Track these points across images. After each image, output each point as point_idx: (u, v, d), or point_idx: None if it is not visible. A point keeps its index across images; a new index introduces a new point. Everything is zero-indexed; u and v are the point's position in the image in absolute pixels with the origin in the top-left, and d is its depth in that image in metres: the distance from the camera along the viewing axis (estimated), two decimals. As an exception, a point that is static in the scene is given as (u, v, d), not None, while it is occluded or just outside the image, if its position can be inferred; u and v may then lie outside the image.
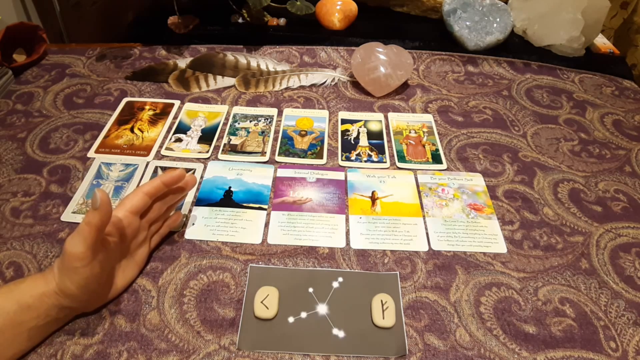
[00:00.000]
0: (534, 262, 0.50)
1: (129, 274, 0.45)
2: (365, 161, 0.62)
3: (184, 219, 0.52)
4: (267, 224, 0.53)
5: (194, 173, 0.59)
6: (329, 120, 0.69)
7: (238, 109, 0.70)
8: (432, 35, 0.86)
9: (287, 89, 0.75)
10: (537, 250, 0.51)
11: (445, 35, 0.86)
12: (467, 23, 0.82)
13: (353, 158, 0.62)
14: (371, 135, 0.66)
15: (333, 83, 0.76)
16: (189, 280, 0.47)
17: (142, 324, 0.43)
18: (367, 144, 0.65)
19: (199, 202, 0.55)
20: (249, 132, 0.66)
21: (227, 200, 0.56)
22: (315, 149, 0.64)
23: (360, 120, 0.69)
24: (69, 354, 0.41)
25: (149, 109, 0.69)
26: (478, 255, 0.50)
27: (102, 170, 0.59)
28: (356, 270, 0.48)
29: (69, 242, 0.37)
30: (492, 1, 0.84)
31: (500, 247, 0.51)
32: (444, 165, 0.62)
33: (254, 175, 0.59)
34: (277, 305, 0.44)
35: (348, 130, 0.67)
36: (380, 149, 0.64)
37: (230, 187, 0.57)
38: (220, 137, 0.65)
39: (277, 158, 0.62)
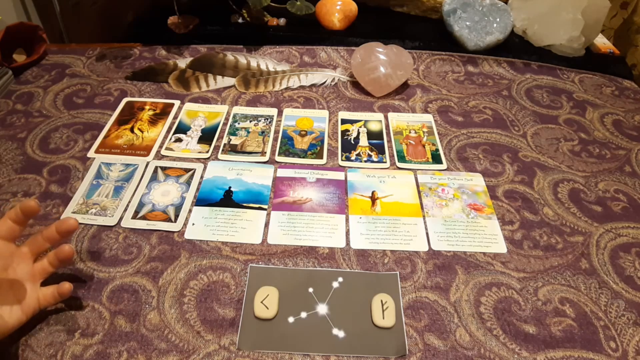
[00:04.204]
0: (534, 262, 0.50)
1: (6, 313, 0.39)
2: (365, 161, 0.62)
3: (75, 256, 0.47)
4: (267, 224, 0.53)
5: (193, 173, 0.59)
6: (329, 120, 0.69)
7: (238, 109, 0.70)
8: (432, 35, 0.86)
9: (287, 89, 0.75)
10: (537, 250, 0.51)
11: (445, 35, 0.86)
12: (467, 23, 0.82)
13: (353, 158, 0.62)
14: (371, 135, 0.66)
15: (333, 83, 0.76)
16: (189, 280, 0.47)
17: (142, 324, 0.43)
18: (367, 144, 0.65)
19: (199, 202, 0.55)
20: (249, 132, 0.66)
21: (227, 200, 0.56)
22: (315, 149, 0.64)
23: (360, 120, 0.69)
24: (69, 354, 0.41)
25: (149, 109, 0.69)
26: (478, 255, 0.50)
27: (102, 170, 0.59)
28: (356, 270, 0.48)
29: None
30: (492, 1, 0.84)
31: (500, 247, 0.51)
32: (444, 165, 0.62)
33: (254, 175, 0.59)
34: (277, 305, 0.44)
35: (348, 130, 0.67)
36: (380, 149, 0.64)
37: (230, 187, 0.57)
38: (220, 137, 0.65)
39: (277, 158, 0.62)
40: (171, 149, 0.62)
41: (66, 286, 0.42)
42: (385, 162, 0.62)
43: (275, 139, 0.65)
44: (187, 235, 0.51)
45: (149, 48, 0.83)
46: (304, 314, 0.44)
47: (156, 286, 0.46)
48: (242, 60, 0.78)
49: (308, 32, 0.86)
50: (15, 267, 0.41)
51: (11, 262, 0.41)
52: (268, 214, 0.54)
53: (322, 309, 0.45)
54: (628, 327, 0.45)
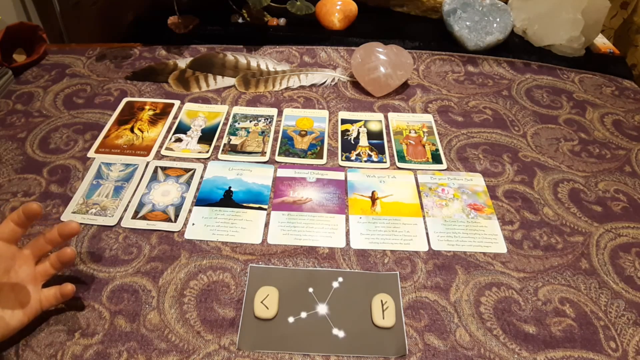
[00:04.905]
0: (534, 262, 0.50)
1: (8, 315, 0.39)
2: (365, 161, 0.62)
3: (76, 257, 0.46)
4: (267, 224, 0.53)
5: (193, 173, 0.59)
6: (329, 120, 0.69)
7: (238, 109, 0.70)
8: (432, 35, 0.86)
9: (287, 89, 0.75)
10: (537, 250, 0.51)
11: (445, 35, 0.86)
12: (467, 23, 0.82)
13: (353, 158, 0.62)
14: (371, 135, 0.66)
15: (333, 83, 0.76)
16: (189, 280, 0.47)
17: (142, 324, 0.43)
18: (367, 144, 0.65)
19: (199, 202, 0.55)
20: (249, 132, 0.66)
21: (227, 200, 0.56)
22: (315, 149, 0.64)
23: (360, 120, 0.69)
24: (69, 354, 0.41)
25: (149, 109, 0.69)
26: (478, 255, 0.50)
27: (102, 170, 0.59)
28: (356, 270, 0.48)
29: None
30: (492, 1, 0.84)
31: (500, 247, 0.51)
32: (444, 165, 0.62)
33: (254, 175, 0.59)
34: (277, 305, 0.44)
35: (348, 130, 0.67)
36: (380, 149, 0.64)
37: (230, 187, 0.57)
38: (220, 137, 0.65)
39: (277, 158, 0.62)
40: (171, 149, 0.62)
41: (69, 287, 0.42)
42: (385, 162, 0.62)
43: (275, 139, 0.65)
44: (187, 235, 0.51)
45: (149, 48, 0.83)
46: (304, 314, 0.44)
47: (156, 286, 0.46)
48: (242, 60, 0.78)
49: (308, 32, 0.86)
50: (17, 269, 0.41)
51: (13, 264, 0.41)
52: (268, 214, 0.54)
53: (322, 309, 0.45)
54: (628, 327, 0.45)
